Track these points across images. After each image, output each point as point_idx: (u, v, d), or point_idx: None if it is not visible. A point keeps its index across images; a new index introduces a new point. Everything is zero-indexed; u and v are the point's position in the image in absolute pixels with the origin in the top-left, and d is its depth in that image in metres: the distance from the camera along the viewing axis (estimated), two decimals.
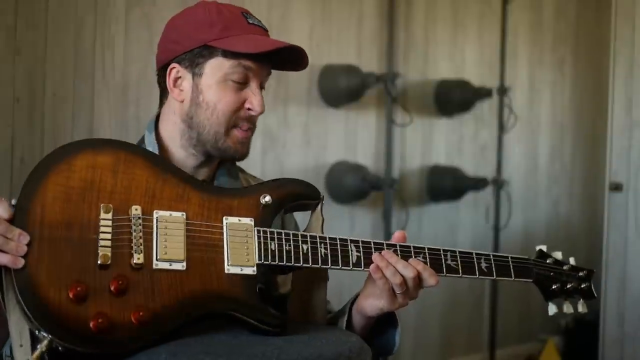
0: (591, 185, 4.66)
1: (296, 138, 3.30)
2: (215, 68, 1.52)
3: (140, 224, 1.33)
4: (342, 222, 3.48)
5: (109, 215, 1.32)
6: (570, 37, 4.62)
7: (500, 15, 4.11)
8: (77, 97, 2.63)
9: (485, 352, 4.18)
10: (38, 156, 2.52)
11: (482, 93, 3.88)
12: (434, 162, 3.87)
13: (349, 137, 3.50)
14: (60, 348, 1.21)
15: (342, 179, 3.39)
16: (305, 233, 1.45)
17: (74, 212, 1.30)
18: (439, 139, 3.91)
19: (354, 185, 3.39)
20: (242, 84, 1.53)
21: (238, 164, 1.71)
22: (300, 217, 1.83)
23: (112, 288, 1.26)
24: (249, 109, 1.54)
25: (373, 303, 1.49)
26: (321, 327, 1.49)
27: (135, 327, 1.25)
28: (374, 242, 1.47)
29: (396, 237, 1.52)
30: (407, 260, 1.45)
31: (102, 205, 1.32)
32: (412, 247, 1.48)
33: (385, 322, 1.57)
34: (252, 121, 1.56)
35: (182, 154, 1.58)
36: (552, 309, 1.58)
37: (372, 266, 1.44)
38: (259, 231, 1.41)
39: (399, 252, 1.47)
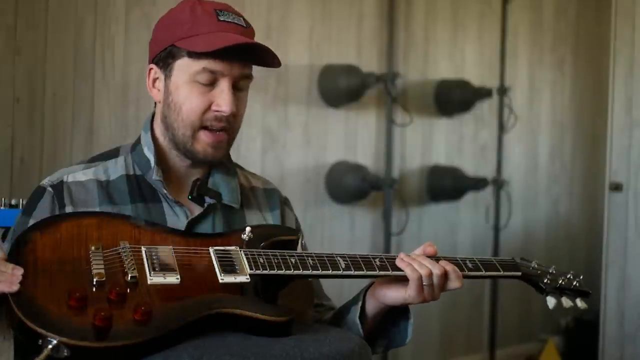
0: (591, 185, 4.66)
1: (296, 138, 3.30)
2: (182, 69, 1.51)
3: (129, 252, 1.35)
4: (342, 222, 3.48)
5: (99, 250, 1.35)
6: (570, 37, 4.62)
7: (500, 15, 4.11)
8: (77, 97, 2.63)
9: (485, 352, 4.18)
10: (38, 156, 2.52)
11: (482, 93, 3.88)
12: (434, 162, 3.87)
13: (349, 137, 3.50)
14: (66, 352, 1.18)
15: (342, 179, 3.39)
16: (290, 250, 1.47)
17: (65, 253, 1.33)
18: (439, 139, 3.91)
19: (354, 185, 3.39)
20: (210, 85, 1.50)
21: (235, 161, 1.71)
22: (300, 215, 1.83)
23: (111, 297, 1.26)
24: (216, 110, 1.50)
25: (396, 294, 1.51)
26: (318, 327, 1.49)
27: (138, 322, 1.24)
28: (359, 255, 1.49)
29: (428, 251, 1.54)
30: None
31: (90, 244, 1.36)
32: (397, 256, 1.50)
33: (397, 314, 1.58)
34: (224, 122, 1.52)
35: (172, 154, 1.58)
36: (551, 301, 1.58)
37: (397, 259, 1.49)
38: (245, 251, 1.43)
39: (385, 260, 1.50)
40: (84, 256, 1.33)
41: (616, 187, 3.45)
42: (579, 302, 1.61)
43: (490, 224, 4.11)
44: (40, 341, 1.19)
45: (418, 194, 3.82)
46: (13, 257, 1.31)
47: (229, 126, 1.53)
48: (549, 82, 4.53)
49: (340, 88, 3.32)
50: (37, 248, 1.33)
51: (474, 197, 4.00)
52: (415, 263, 1.48)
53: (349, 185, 3.39)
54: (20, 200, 1.82)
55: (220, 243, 1.45)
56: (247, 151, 3.09)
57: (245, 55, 1.51)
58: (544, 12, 4.48)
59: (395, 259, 1.50)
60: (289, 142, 3.28)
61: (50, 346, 1.17)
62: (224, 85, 1.50)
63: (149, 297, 1.29)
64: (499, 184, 4.08)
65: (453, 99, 3.84)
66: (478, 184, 3.86)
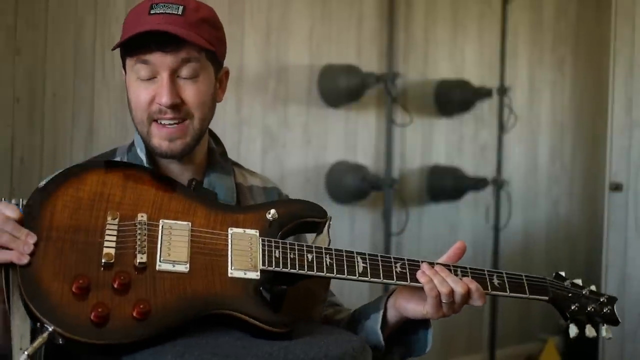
0: (591, 185, 4.66)
1: (296, 138, 3.30)
2: (128, 68, 1.52)
3: (145, 229, 1.35)
4: (342, 222, 3.48)
5: (115, 221, 1.34)
6: (570, 37, 4.62)
7: (500, 15, 4.12)
8: (77, 97, 2.63)
9: (485, 352, 4.18)
10: (38, 156, 2.52)
11: (482, 93, 3.88)
12: (434, 162, 3.87)
13: (349, 137, 3.50)
14: (60, 340, 1.20)
15: (342, 179, 3.39)
16: (310, 244, 1.44)
17: (82, 218, 1.33)
18: (439, 139, 3.91)
19: (354, 185, 3.39)
20: (152, 79, 1.49)
21: (235, 159, 1.70)
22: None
23: (114, 285, 1.26)
24: (157, 102, 1.49)
25: (416, 308, 1.47)
26: (319, 327, 1.48)
27: (135, 320, 1.24)
28: (381, 256, 1.45)
29: (457, 247, 1.50)
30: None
31: (109, 212, 1.35)
32: (420, 262, 1.46)
33: (416, 322, 1.55)
34: (171, 113, 1.49)
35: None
36: (572, 330, 1.51)
37: (418, 272, 1.44)
38: (263, 240, 1.40)
39: (407, 267, 1.45)
40: (100, 226, 1.33)
41: (616, 187, 3.45)
42: (604, 332, 1.52)
43: (490, 224, 4.11)
44: (39, 324, 1.21)
45: (418, 194, 3.82)
46: (32, 214, 1.31)
47: (182, 116, 1.50)
48: (549, 82, 4.53)
49: (340, 88, 3.32)
50: (56, 208, 1.33)
51: (474, 197, 4.00)
52: (436, 279, 1.42)
53: (349, 185, 3.39)
54: (21, 200, 1.82)
55: (242, 221, 1.43)
56: (247, 151, 3.09)
57: (171, 43, 1.47)
58: (544, 12, 4.48)
59: (417, 265, 1.45)
60: (289, 142, 3.28)
61: (46, 334, 1.20)
62: (161, 77, 1.49)
63: (154, 286, 1.29)
64: (499, 184, 4.08)
65: (453, 99, 3.84)
66: (478, 184, 3.86)
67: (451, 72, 3.91)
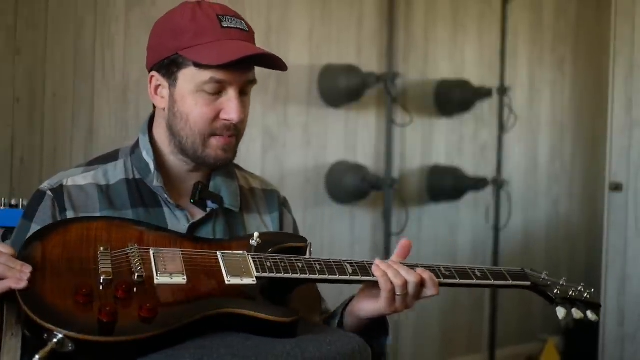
0: (591, 185, 4.66)
1: (296, 138, 3.30)
2: (188, 78, 1.49)
3: (137, 253, 1.36)
4: (342, 222, 3.48)
5: (107, 251, 1.36)
6: (570, 37, 4.62)
7: (500, 15, 4.11)
8: (77, 97, 2.63)
9: (485, 352, 4.18)
10: (38, 156, 2.52)
11: (482, 93, 3.88)
12: (434, 162, 3.87)
13: (349, 137, 3.50)
14: (70, 346, 1.18)
15: (342, 179, 3.39)
16: (298, 256, 1.47)
17: (74, 252, 1.34)
18: (439, 139, 3.91)
19: (354, 185, 3.39)
20: (217, 94, 1.49)
21: (235, 161, 1.70)
22: (300, 216, 1.83)
23: (117, 295, 1.27)
24: (225, 119, 1.50)
25: (370, 306, 1.50)
26: (315, 327, 1.48)
27: (143, 319, 1.24)
28: (366, 262, 1.49)
29: (403, 244, 1.54)
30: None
31: (99, 245, 1.37)
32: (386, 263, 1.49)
33: (376, 329, 1.57)
34: (233, 129, 1.51)
35: (173, 159, 1.57)
36: (560, 312, 1.56)
37: (373, 266, 1.47)
38: (253, 256, 1.43)
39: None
40: (92, 256, 1.34)
41: (616, 187, 3.46)
42: (590, 314, 1.58)
43: (490, 224, 4.11)
44: (46, 335, 1.19)
45: (418, 194, 3.82)
46: (22, 256, 1.32)
47: (237, 131, 1.53)
48: (549, 82, 4.53)
49: (340, 88, 3.32)
50: (46, 248, 1.34)
51: (474, 197, 4.00)
52: (390, 271, 1.46)
53: (349, 185, 3.39)
54: (20, 200, 1.82)
55: (228, 248, 1.45)
56: (247, 151, 3.09)
57: (252, 63, 1.51)
58: (544, 12, 4.48)
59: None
60: (289, 142, 3.28)
61: (55, 340, 1.17)
62: (231, 94, 1.49)
63: (155, 296, 1.29)
64: (499, 184, 4.07)
65: (453, 99, 3.84)
66: (478, 184, 3.85)
67: (451, 72, 3.91)
